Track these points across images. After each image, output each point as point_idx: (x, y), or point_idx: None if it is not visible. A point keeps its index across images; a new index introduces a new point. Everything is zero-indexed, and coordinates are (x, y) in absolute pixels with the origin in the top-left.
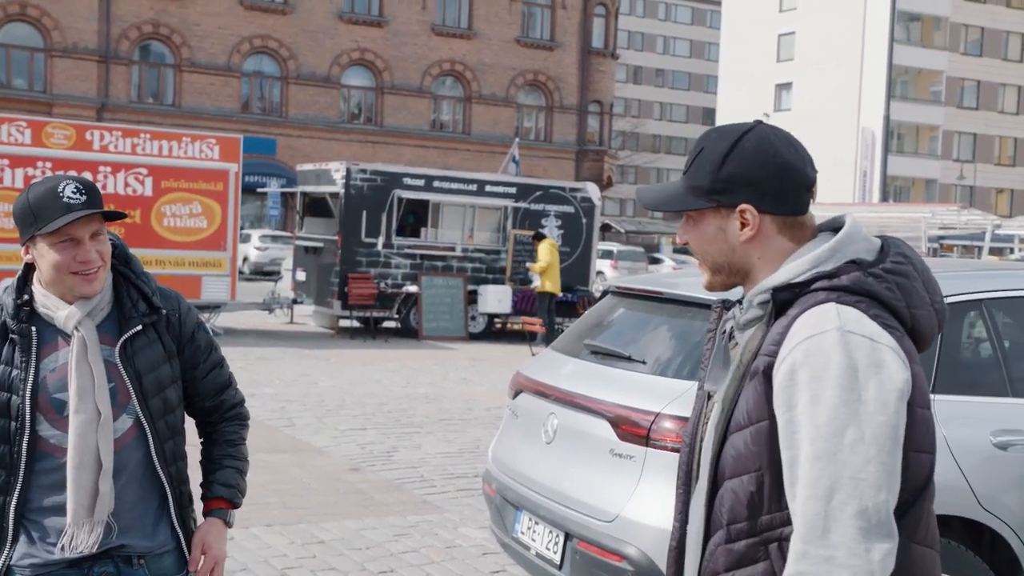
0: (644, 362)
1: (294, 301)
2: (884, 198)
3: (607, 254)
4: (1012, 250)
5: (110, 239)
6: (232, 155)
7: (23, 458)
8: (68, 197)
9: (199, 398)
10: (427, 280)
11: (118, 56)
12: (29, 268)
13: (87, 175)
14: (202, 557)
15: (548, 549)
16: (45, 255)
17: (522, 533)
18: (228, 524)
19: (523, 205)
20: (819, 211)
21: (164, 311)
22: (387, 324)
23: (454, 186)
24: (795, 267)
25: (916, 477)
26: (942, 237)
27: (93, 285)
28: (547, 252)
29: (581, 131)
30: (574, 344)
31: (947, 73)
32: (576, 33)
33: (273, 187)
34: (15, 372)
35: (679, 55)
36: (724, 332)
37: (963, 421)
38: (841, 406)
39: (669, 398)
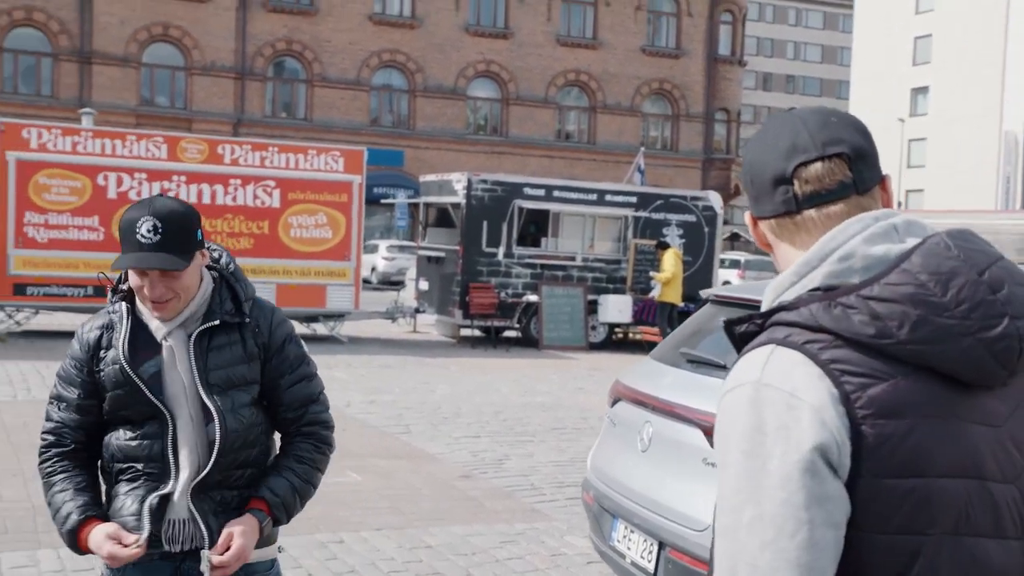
0: None
1: (416, 310)
2: None
3: (734, 264)
4: None
5: (214, 249)
6: (356, 167)
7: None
8: (142, 236)
9: (283, 408)
10: (547, 290)
11: (253, 73)
12: None
13: (219, 188)
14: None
15: (643, 558)
16: (130, 280)
17: (618, 541)
18: (263, 529)
19: (644, 214)
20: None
21: (248, 319)
22: (508, 333)
23: (574, 196)
24: (766, 294)
25: (886, 566)
26: None
27: (164, 313)
28: (672, 262)
29: (707, 139)
30: (672, 353)
31: None
32: (702, 40)
33: (400, 198)
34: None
35: (810, 60)
36: None
37: None
38: (743, 477)
39: None
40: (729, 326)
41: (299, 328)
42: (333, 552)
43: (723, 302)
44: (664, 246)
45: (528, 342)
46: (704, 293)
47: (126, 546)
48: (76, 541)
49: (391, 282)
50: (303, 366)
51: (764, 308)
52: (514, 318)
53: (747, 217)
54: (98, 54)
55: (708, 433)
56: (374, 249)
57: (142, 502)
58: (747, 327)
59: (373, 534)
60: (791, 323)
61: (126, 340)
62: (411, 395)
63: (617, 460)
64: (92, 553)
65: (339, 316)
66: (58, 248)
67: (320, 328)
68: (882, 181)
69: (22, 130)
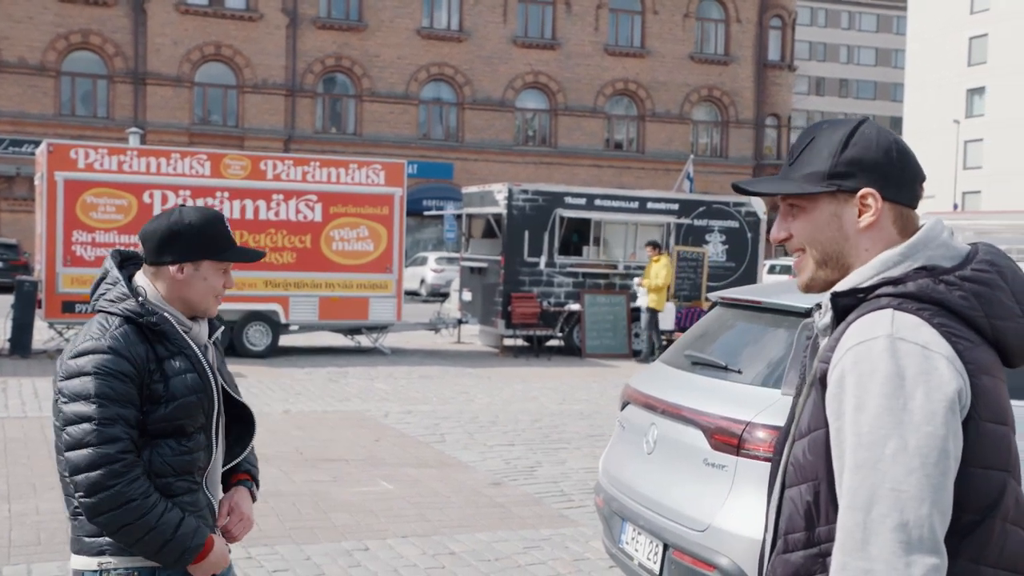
0: (740, 372)
1: (460, 321)
2: None
3: (785, 269)
4: None
5: None
6: (396, 180)
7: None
8: (230, 232)
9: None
10: (589, 298)
11: (303, 89)
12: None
13: (261, 203)
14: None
15: (649, 559)
16: (208, 277)
17: (627, 543)
18: (253, 497)
19: (686, 221)
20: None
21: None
22: (551, 343)
23: (616, 204)
24: (863, 271)
25: (981, 495)
26: None
27: (215, 308)
28: (665, 270)
29: (758, 145)
30: (678, 356)
31: None
32: (752, 46)
33: (449, 210)
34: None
35: (864, 64)
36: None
37: None
38: (885, 414)
39: (761, 407)
40: (836, 297)
41: (342, 340)
42: (357, 560)
43: (729, 304)
44: (656, 246)
45: (571, 351)
46: (712, 296)
47: None
48: (200, 555)
49: (441, 294)
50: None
51: (867, 282)
52: (556, 327)
53: (870, 192)
54: (152, 75)
55: (710, 435)
56: (423, 262)
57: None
58: (850, 300)
59: (398, 541)
60: (903, 294)
61: (197, 346)
62: (449, 404)
63: (625, 463)
64: (198, 564)
65: (382, 328)
66: None
67: (364, 340)
68: None
69: (70, 151)
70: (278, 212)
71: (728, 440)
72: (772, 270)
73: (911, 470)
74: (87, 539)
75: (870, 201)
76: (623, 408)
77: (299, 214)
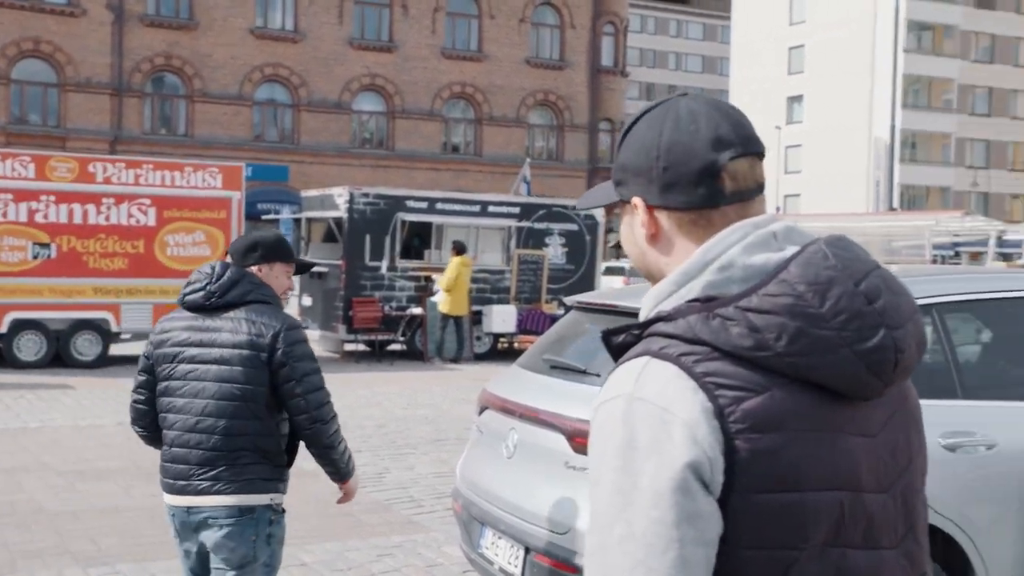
0: (598, 375)
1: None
2: (892, 207)
3: (619, 271)
4: (1020, 255)
5: None
6: (234, 183)
7: None
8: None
9: None
10: (432, 302)
11: (131, 89)
12: None
13: (91, 207)
14: None
15: (510, 563)
16: (280, 277)
17: (486, 549)
18: None
19: (527, 224)
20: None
21: None
22: (393, 347)
23: (457, 207)
24: (644, 302)
25: None
26: (957, 244)
27: None
28: (454, 269)
29: (592, 149)
30: (535, 360)
31: (959, 81)
32: (585, 52)
33: (285, 214)
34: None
35: (691, 71)
36: None
37: None
38: (615, 494)
39: None
40: (607, 336)
41: None
42: None
43: (585, 308)
44: (459, 249)
45: (413, 355)
46: (568, 300)
47: None
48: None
49: None
50: None
51: (643, 317)
52: (399, 331)
53: (637, 203)
54: None
55: (571, 438)
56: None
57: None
58: (624, 337)
59: None
60: (668, 335)
61: None
62: None
63: (484, 468)
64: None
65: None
66: None
67: None
68: None
69: None
70: (108, 216)
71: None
72: (607, 272)
73: (636, 563)
74: (262, 481)
75: (640, 211)
76: (481, 413)
77: (131, 218)
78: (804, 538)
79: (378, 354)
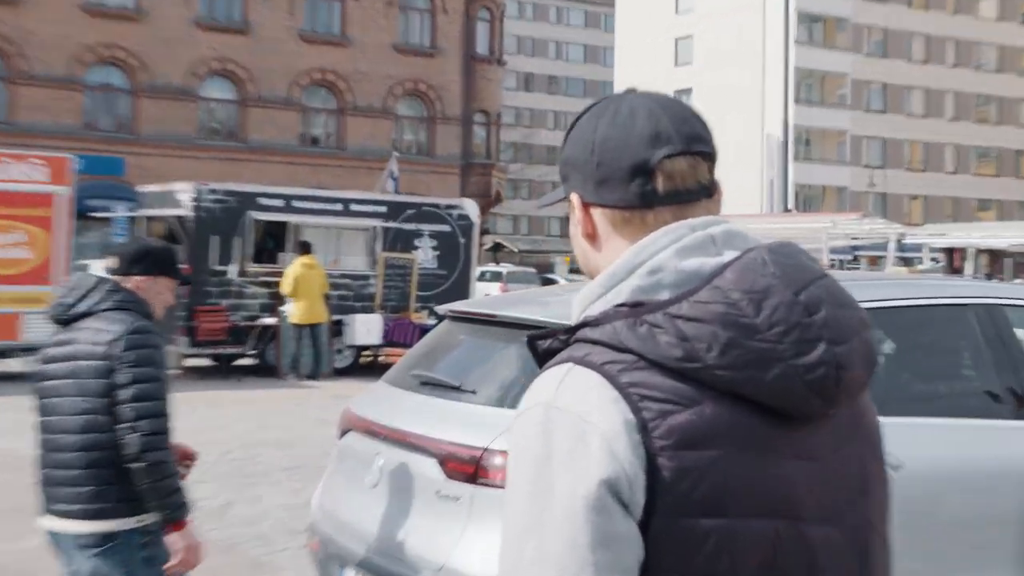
0: (475, 392)
1: None
2: (787, 208)
3: (496, 276)
4: (921, 260)
5: None
6: (62, 177)
7: None
8: None
9: None
10: (283, 311)
11: None
12: None
13: None
14: None
15: None
16: (163, 292)
17: None
18: None
19: (394, 225)
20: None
21: None
22: (242, 362)
23: (316, 206)
24: (574, 306)
25: None
26: (856, 247)
27: None
28: (294, 271)
29: (466, 143)
30: (404, 375)
31: (852, 76)
32: (459, 39)
33: (119, 212)
34: None
35: (573, 60)
36: None
37: None
38: (527, 508)
39: (499, 431)
40: (532, 341)
41: None
42: None
43: (460, 318)
44: (303, 248)
45: (266, 370)
46: (440, 309)
47: None
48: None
49: None
50: None
51: (573, 322)
52: (249, 344)
53: (575, 199)
54: None
55: (444, 463)
56: (86, 270)
57: None
58: (550, 343)
59: None
60: (594, 341)
61: None
62: None
63: (345, 499)
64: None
65: (38, 350)
66: None
67: (16, 364)
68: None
69: None
70: None
71: (463, 468)
72: (481, 277)
73: None
74: (127, 503)
75: (576, 208)
76: (342, 436)
77: None
78: (732, 570)
79: (225, 369)
